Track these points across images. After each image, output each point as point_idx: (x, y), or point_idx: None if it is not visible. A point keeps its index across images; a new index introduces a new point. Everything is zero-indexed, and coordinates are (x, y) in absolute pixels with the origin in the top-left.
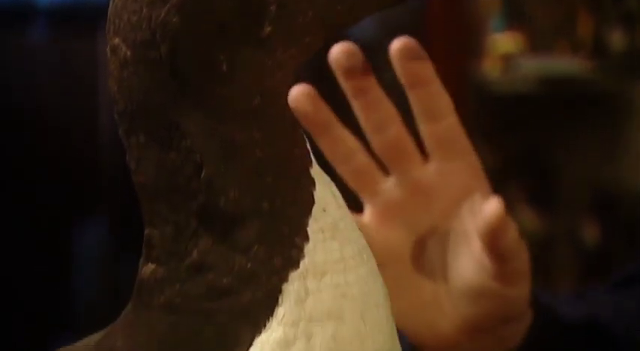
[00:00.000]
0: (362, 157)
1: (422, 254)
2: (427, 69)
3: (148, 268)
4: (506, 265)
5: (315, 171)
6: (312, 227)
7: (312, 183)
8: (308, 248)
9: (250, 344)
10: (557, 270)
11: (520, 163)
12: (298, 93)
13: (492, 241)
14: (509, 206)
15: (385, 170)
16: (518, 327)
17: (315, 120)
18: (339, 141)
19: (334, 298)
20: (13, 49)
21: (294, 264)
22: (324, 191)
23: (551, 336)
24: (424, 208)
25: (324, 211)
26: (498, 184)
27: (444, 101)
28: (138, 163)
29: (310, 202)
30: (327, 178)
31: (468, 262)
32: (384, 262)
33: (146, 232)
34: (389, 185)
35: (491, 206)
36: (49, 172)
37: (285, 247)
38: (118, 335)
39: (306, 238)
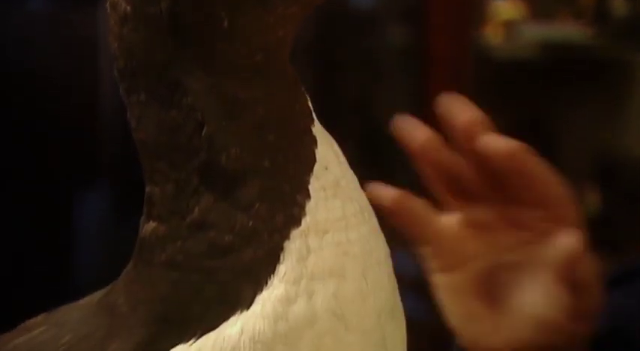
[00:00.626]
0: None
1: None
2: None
3: (149, 226)
4: (578, 299)
5: (317, 129)
6: (314, 185)
7: (313, 141)
8: (309, 206)
9: (252, 302)
10: None
11: (521, 130)
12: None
13: (567, 271)
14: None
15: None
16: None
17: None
18: None
19: (336, 256)
20: (14, 18)
21: (296, 222)
22: (326, 149)
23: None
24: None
25: (326, 169)
26: None
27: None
28: (139, 121)
29: (312, 159)
30: (328, 137)
31: (540, 294)
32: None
33: (147, 189)
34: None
35: (570, 237)
36: (48, 144)
37: (287, 204)
38: (120, 292)
39: (308, 195)
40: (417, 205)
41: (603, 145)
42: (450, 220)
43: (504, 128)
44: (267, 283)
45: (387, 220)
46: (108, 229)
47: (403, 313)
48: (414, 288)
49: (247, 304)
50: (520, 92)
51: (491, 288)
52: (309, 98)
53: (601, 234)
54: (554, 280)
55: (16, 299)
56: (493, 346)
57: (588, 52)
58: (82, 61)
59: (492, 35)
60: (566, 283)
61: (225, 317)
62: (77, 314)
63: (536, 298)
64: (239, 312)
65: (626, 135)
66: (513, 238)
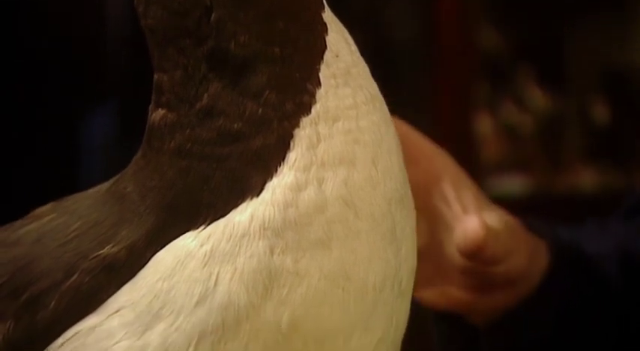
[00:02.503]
0: None
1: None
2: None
3: (157, 114)
4: (495, 277)
5: (328, 16)
6: (324, 73)
7: (324, 28)
8: (320, 94)
9: (261, 189)
10: (567, 150)
11: (530, 44)
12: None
13: (470, 256)
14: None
15: None
16: (529, 276)
17: None
18: None
19: (346, 144)
20: None
21: (306, 109)
22: (337, 37)
23: (576, 270)
24: None
25: (337, 56)
26: (508, 65)
27: None
28: (146, 6)
29: (322, 47)
30: (340, 24)
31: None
32: None
33: (155, 77)
34: None
35: (471, 228)
36: (56, 62)
37: (297, 92)
38: (129, 180)
39: (318, 83)
40: None
41: (611, 57)
42: None
43: (513, 42)
44: (276, 170)
45: None
46: (113, 148)
47: (413, 204)
48: None
49: (257, 191)
50: (528, 5)
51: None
52: None
53: (609, 146)
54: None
55: (20, 214)
56: (453, 296)
57: None
58: None
59: None
60: (472, 261)
61: (234, 204)
62: (87, 202)
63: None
64: (249, 199)
65: (634, 47)
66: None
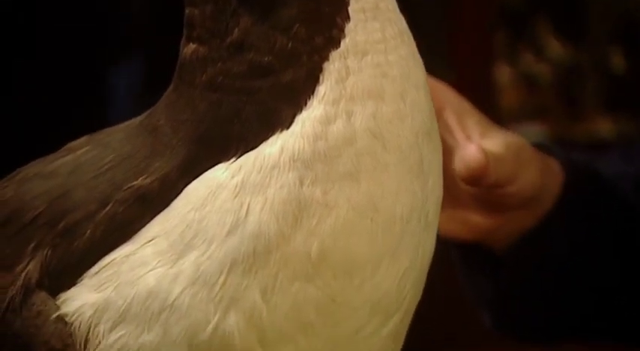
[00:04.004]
0: None
1: None
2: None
3: (189, 48)
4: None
5: None
6: (353, 7)
7: None
8: (349, 28)
9: (291, 122)
10: (586, 99)
11: None
12: None
13: (474, 185)
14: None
15: None
16: (543, 195)
17: None
18: None
19: (375, 78)
20: None
21: (335, 43)
22: None
23: (592, 189)
24: None
25: None
26: (527, 15)
27: None
28: None
29: None
30: None
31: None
32: None
33: (187, 12)
34: None
35: (469, 155)
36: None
37: (326, 26)
38: (161, 114)
39: (347, 17)
40: None
41: (629, 8)
42: None
43: None
44: (306, 103)
45: None
46: (138, 99)
47: (439, 137)
48: None
49: (287, 124)
50: None
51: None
52: None
53: (626, 95)
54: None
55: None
56: (474, 224)
57: None
58: None
59: None
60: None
61: (265, 137)
62: (120, 135)
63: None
64: (279, 132)
65: None
66: None
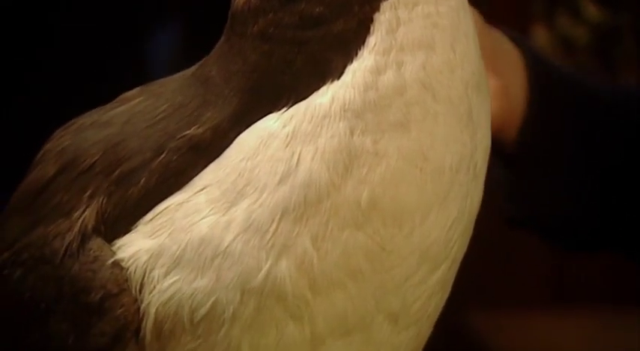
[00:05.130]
0: None
1: None
2: None
3: (240, 0)
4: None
5: None
6: None
7: None
8: None
9: (342, 72)
10: (622, 62)
11: None
12: None
13: None
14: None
15: None
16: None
17: None
18: None
19: (425, 28)
20: None
21: None
22: None
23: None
24: None
25: None
26: None
27: None
28: None
29: None
30: None
31: None
32: None
33: None
34: None
35: None
36: None
37: None
38: (213, 65)
39: None
40: None
41: None
42: None
43: None
44: (357, 54)
45: None
46: (179, 64)
47: (488, 89)
48: None
49: (337, 74)
50: None
51: None
52: None
53: None
54: None
55: None
56: None
57: None
58: None
59: None
60: None
61: (315, 87)
62: (172, 86)
63: None
64: (329, 82)
65: None
66: None
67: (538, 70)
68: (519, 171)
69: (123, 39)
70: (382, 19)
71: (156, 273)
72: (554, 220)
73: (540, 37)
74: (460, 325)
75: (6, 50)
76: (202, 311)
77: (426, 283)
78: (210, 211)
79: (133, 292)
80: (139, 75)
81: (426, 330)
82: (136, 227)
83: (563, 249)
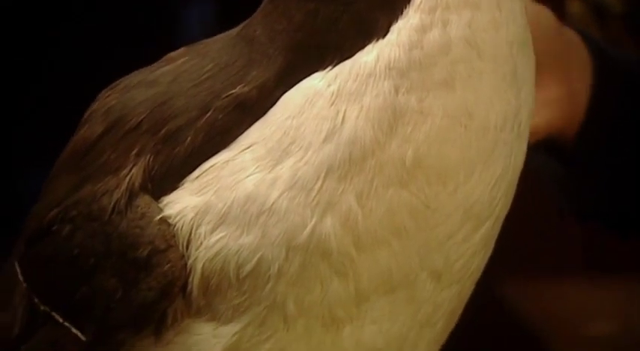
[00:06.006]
0: None
1: None
2: None
3: None
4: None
5: None
6: None
7: None
8: None
9: (387, 31)
10: None
11: None
12: None
13: None
14: None
15: None
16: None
17: None
18: None
19: None
20: None
21: None
22: None
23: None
24: None
25: None
26: None
27: None
28: None
29: None
30: None
31: None
32: None
33: None
34: None
35: None
36: None
37: None
38: (258, 24)
39: None
40: None
41: None
42: None
43: None
44: (402, 12)
45: None
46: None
47: (532, 48)
48: None
49: (383, 33)
50: None
51: None
52: None
53: None
54: None
55: None
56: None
57: None
58: None
59: None
60: None
61: (361, 46)
62: (217, 45)
63: None
64: (374, 41)
65: None
66: None
67: (604, 70)
68: (578, 167)
69: (156, 12)
70: None
71: (202, 229)
72: (614, 210)
73: (574, 6)
74: (494, 293)
75: (50, 19)
76: (248, 267)
77: (469, 241)
78: (255, 168)
79: (180, 248)
80: (172, 47)
81: (467, 289)
82: (182, 185)
83: (623, 238)
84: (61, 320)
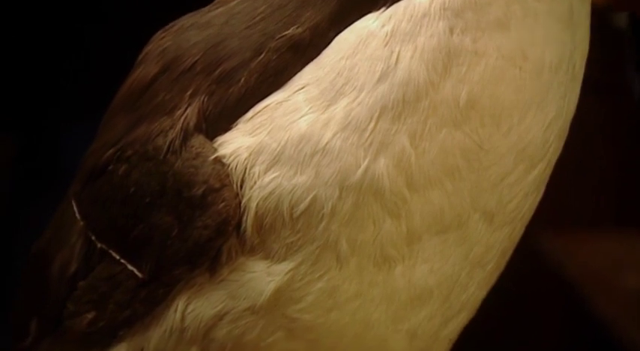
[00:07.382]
0: None
1: None
2: None
3: None
4: None
5: None
6: None
7: None
8: None
9: None
10: None
11: None
12: None
13: None
14: None
15: None
16: None
17: None
18: None
19: None
20: None
21: None
22: None
23: None
24: None
25: None
26: None
27: None
28: None
29: None
30: None
31: None
32: None
33: None
34: None
35: None
36: None
37: None
38: None
39: None
40: None
41: None
42: None
43: None
44: None
45: None
46: None
47: None
48: None
49: None
50: None
51: None
52: None
53: None
54: None
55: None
56: None
57: None
58: None
59: None
60: None
61: None
62: None
63: None
64: None
65: None
66: None
67: None
68: None
69: None
70: None
71: (256, 169)
72: None
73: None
74: (532, 246)
75: None
76: (302, 206)
77: (521, 183)
78: (309, 109)
79: (234, 187)
80: None
81: (518, 230)
82: (236, 125)
83: None
84: (117, 257)
